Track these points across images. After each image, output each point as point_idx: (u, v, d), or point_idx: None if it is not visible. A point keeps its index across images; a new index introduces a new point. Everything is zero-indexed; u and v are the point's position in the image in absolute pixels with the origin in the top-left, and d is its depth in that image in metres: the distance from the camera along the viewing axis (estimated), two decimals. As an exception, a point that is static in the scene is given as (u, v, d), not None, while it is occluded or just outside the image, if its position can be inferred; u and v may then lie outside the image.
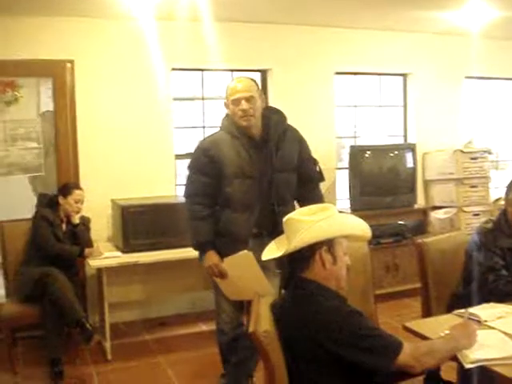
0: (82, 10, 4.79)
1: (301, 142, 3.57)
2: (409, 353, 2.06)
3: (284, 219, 2.32)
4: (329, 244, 2.23)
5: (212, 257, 3.37)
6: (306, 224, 2.21)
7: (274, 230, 3.22)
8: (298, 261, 2.26)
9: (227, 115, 3.48)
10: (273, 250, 2.40)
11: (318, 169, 3.64)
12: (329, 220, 2.24)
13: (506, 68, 6.83)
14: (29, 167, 5.05)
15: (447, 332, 2.30)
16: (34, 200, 4.80)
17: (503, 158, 7.54)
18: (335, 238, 2.24)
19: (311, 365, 2.12)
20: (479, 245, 3.27)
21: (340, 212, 2.37)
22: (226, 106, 3.44)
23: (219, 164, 3.35)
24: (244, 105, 3.30)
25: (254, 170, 3.35)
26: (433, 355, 2.12)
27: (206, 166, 3.38)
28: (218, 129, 3.54)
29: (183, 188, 3.58)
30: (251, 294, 3.05)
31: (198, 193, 3.41)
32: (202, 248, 3.43)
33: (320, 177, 3.66)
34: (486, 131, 7.11)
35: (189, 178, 3.51)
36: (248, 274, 3.27)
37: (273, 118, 3.46)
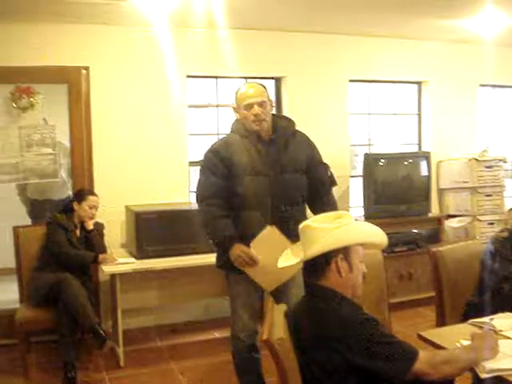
0: (97, 16, 4.82)
1: (310, 147, 3.61)
2: (425, 360, 2.06)
3: (300, 226, 2.33)
4: (345, 252, 2.23)
5: (239, 247, 3.32)
6: (322, 232, 2.21)
7: (287, 228, 3.27)
8: (314, 268, 2.26)
9: (237, 120, 3.53)
10: (289, 258, 2.40)
11: (329, 173, 3.65)
12: (345, 228, 2.24)
13: (521, 76, 6.81)
14: (44, 173, 5.08)
15: (464, 342, 2.29)
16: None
17: (518, 167, 7.50)
18: (351, 245, 2.24)
19: (326, 373, 2.11)
20: (494, 254, 3.26)
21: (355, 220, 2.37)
22: (236, 110, 3.50)
23: (230, 163, 3.38)
24: (257, 109, 3.36)
25: (264, 167, 3.37)
26: (451, 364, 2.11)
27: (217, 168, 3.39)
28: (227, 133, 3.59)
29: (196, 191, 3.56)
30: (288, 272, 3.01)
31: (212, 194, 3.40)
32: (228, 242, 3.36)
33: (332, 181, 3.66)
34: (501, 140, 7.07)
35: (200, 180, 3.50)
36: (278, 249, 3.20)
37: (281, 123, 3.52)
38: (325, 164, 3.65)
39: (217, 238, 3.44)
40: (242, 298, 3.46)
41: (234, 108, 3.51)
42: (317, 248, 2.20)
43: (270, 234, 3.29)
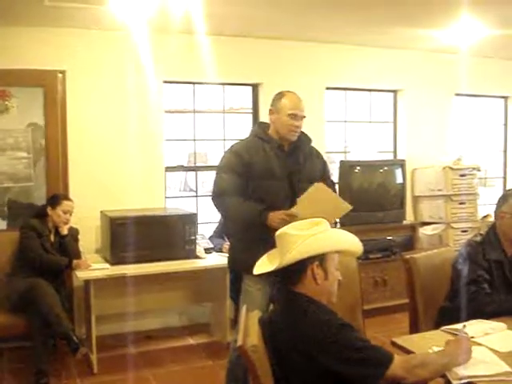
0: (74, 20, 4.79)
1: (324, 163, 3.84)
2: (400, 365, 2.07)
3: (277, 233, 2.33)
4: (321, 259, 2.24)
5: (275, 213, 3.35)
6: (298, 238, 2.22)
7: None
8: (290, 275, 2.26)
9: (259, 124, 3.80)
10: (265, 264, 2.39)
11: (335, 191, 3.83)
12: (321, 235, 2.25)
13: (495, 86, 6.91)
14: (18, 177, 5.03)
15: (436, 349, 2.31)
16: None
17: (491, 175, 7.60)
18: (327, 253, 2.25)
19: (301, 378, 2.11)
20: (465, 257, 3.30)
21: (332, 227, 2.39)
22: (273, 112, 3.63)
23: (249, 165, 3.51)
24: (299, 122, 3.59)
25: (282, 172, 3.53)
26: (425, 368, 2.13)
27: (237, 167, 3.52)
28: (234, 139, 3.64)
29: (213, 188, 3.64)
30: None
31: (231, 189, 3.51)
32: (263, 215, 3.39)
33: None
34: (475, 148, 7.15)
35: (220, 177, 3.58)
36: (326, 202, 3.32)
37: (302, 137, 3.68)
38: (332, 181, 3.89)
39: (250, 215, 3.46)
40: (254, 302, 3.36)
41: (272, 110, 3.65)
42: (293, 255, 2.20)
43: (317, 190, 3.36)
